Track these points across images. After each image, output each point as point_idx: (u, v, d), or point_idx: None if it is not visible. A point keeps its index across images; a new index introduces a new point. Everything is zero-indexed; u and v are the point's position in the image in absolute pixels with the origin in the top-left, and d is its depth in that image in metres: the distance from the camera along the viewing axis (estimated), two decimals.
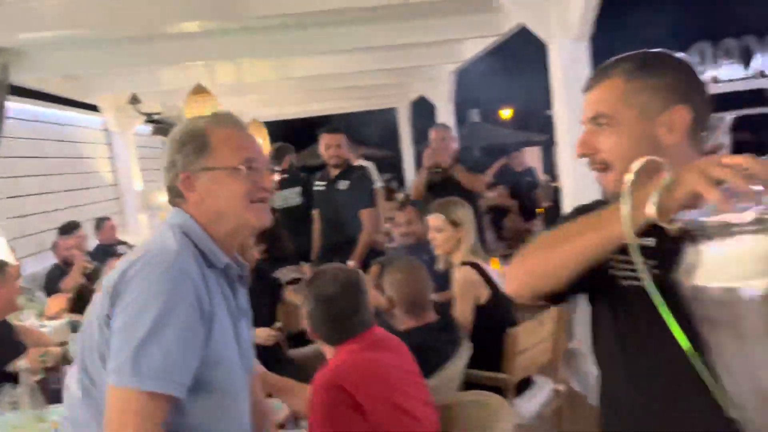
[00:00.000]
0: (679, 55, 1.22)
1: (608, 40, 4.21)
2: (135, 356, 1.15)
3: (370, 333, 1.87)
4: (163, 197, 7.02)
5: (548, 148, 14.01)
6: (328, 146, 4.44)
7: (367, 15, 5.00)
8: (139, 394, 1.14)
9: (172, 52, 5.41)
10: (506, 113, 22.86)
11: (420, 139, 12.75)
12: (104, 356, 1.20)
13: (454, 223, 3.13)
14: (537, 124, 16.62)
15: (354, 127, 11.75)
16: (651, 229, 0.98)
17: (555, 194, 7.25)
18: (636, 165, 0.97)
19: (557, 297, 1.17)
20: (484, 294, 2.90)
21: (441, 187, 4.52)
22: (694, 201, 0.91)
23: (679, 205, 0.92)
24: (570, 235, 1.06)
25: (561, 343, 3.08)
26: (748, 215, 0.88)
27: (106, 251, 5.62)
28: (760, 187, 0.86)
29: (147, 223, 7.92)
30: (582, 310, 3.92)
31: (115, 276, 1.21)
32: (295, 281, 4.26)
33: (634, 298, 1.10)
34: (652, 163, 0.96)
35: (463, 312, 2.87)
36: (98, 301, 1.25)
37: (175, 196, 1.36)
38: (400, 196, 10.65)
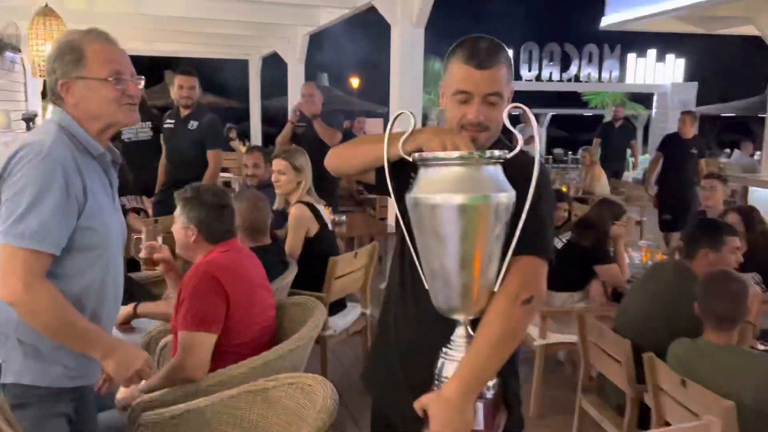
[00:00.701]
0: None
1: (442, 30, 4.84)
2: (18, 222, 1.48)
3: (234, 241, 2.36)
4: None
5: (387, 119, 14.90)
6: (181, 87, 4.70)
7: None
8: (21, 250, 1.48)
9: None
10: (355, 82, 23.54)
11: (268, 93, 12.99)
12: None
13: (296, 169, 3.64)
14: (381, 96, 17.49)
15: (203, 73, 11.68)
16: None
17: None
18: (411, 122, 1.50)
19: (371, 186, 1.60)
20: (314, 228, 3.47)
21: (304, 138, 5.06)
22: (424, 148, 1.40)
23: (416, 146, 1.41)
24: (365, 142, 1.59)
25: (369, 276, 3.73)
26: (455, 152, 1.33)
27: None
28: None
29: None
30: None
31: (7, 159, 1.53)
32: (137, 210, 4.52)
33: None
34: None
35: (294, 241, 3.41)
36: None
37: (56, 98, 1.63)
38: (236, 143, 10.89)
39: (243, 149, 10.59)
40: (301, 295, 2.72)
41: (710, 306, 2.34)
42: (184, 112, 4.71)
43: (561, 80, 13.93)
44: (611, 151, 9.31)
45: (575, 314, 3.10)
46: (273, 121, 13.06)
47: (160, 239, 2.42)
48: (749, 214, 3.77)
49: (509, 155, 1.37)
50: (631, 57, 14.03)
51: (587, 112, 21.39)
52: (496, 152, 1.35)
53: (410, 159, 1.41)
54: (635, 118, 20.51)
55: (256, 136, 11.74)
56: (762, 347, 2.64)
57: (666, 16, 7.18)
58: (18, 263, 1.49)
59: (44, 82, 1.70)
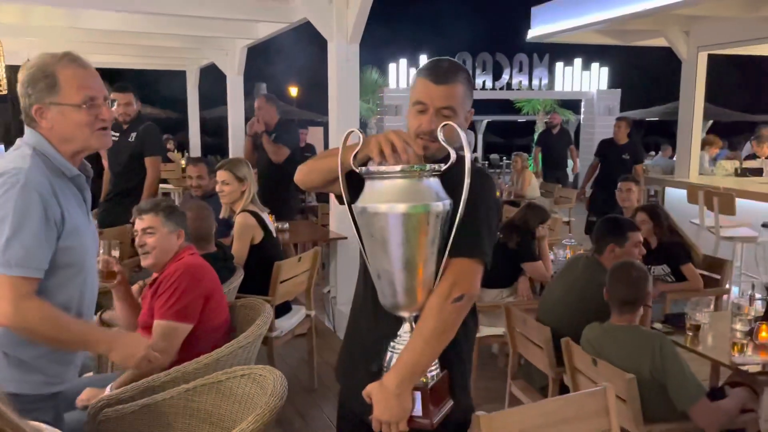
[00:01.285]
0: None
1: (378, 42, 5.06)
2: (3, 251, 1.58)
3: (192, 246, 2.64)
4: None
5: (327, 128, 15.13)
6: (118, 104, 4.83)
7: None
8: (8, 278, 1.59)
9: None
10: (293, 92, 23.59)
11: (207, 104, 12.97)
12: None
13: (239, 179, 3.81)
14: (321, 105, 17.66)
15: (141, 85, 11.59)
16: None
17: None
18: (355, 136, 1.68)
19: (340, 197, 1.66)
20: (259, 235, 3.64)
21: (262, 150, 5.41)
22: (370, 154, 1.55)
23: (364, 156, 1.56)
24: (325, 157, 1.70)
25: (313, 280, 3.93)
26: (398, 167, 1.47)
27: None
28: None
29: None
30: (339, 261, 4.84)
31: None
32: None
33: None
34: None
35: (240, 248, 3.58)
36: None
37: (30, 120, 1.68)
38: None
39: (182, 160, 10.59)
40: (247, 298, 2.90)
41: (614, 291, 2.66)
42: (124, 125, 4.82)
43: (494, 88, 14.41)
44: (552, 158, 9.63)
45: (504, 309, 3.38)
46: (212, 131, 13.05)
47: (117, 252, 2.55)
48: (654, 211, 4.16)
49: (444, 168, 1.51)
50: (559, 66, 14.68)
51: (520, 119, 22.14)
52: (432, 165, 1.50)
53: (357, 171, 1.54)
54: (566, 123, 21.43)
55: (195, 147, 11.71)
56: (660, 328, 2.98)
57: (586, 29, 7.67)
58: (6, 289, 1.60)
59: None
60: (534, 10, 8.38)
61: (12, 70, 6.72)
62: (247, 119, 6.76)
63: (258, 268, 3.52)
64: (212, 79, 10.71)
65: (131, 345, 1.81)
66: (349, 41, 4.70)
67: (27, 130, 1.73)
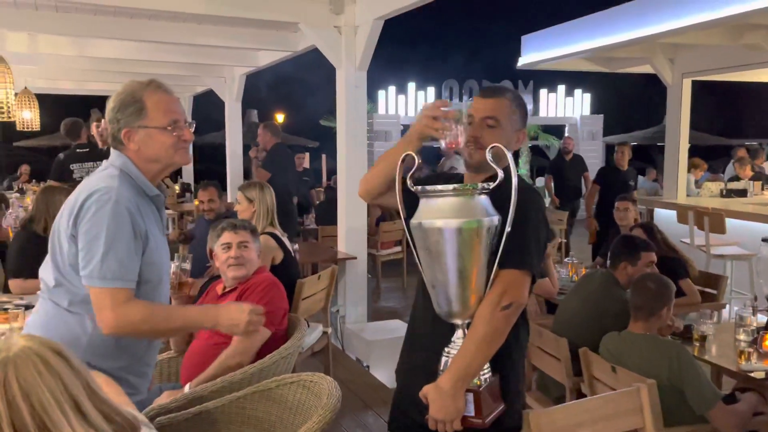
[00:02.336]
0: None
1: (379, 71, 5.27)
2: (100, 267, 1.68)
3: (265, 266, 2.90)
4: None
5: (317, 153, 15.31)
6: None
7: (174, 14, 5.50)
8: (108, 290, 1.69)
9: None
10: (280, 118, 23.81)
11: (201, 129, 13.07)
12: (75, 264, 1.74)
13: (248, 200, 3.97)
14: (310, 131, 17.89)
15: None
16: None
17: (328, 192, 8.37)
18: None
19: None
20: (279, 256, 3.76)
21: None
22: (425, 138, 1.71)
23: (414, 135, 1.70)
24: (383, 158, 1.83)
25: (330, 297, 4.05)
26: (450, 186, 1.62)
27: None
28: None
29: None
30: (347, 280, 4.97)
31: (78, 203, 1.73)
32: None
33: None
34: None
35: None
36: (65, 215, 1.76)
37: (118, 143, 1.82)
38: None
39: (176, 186, 10.66)
40: None
41: (632, 300, 2.83)
42: None
43: None
44: (566, 187, 8.59)
45: None
46: (205, 157, 13.13)
47: (188, 265, 2.69)
48: (650, 228, 4.37)
49: (492, 187, 1.65)
50: (543, 92, 15.08)
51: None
52: (482, 184, 1.65)
53: (413, 190, 1.69)
54: (548, 148, 21.84)
55: (188, 173, 11.80)
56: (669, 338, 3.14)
57: (575, 57, 7.95)
58: (107, 299, 1.71)
59: None
60: (524, 38, 8.66)
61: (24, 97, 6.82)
62: (245, 145, 7.05)
63: None
64: (208, 104, 10.85)
65: (234, 313, 1.86)
66: (358, 68, 4.88)
67: (113, 152, 1.86)
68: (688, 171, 8.60)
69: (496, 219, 1.64)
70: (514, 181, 1.64)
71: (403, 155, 1.74)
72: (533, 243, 1.70)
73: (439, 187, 1.64)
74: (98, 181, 1.79)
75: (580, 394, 3.09)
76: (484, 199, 1.65)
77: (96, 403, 1.23)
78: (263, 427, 2.18)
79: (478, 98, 1.80)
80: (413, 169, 1.77)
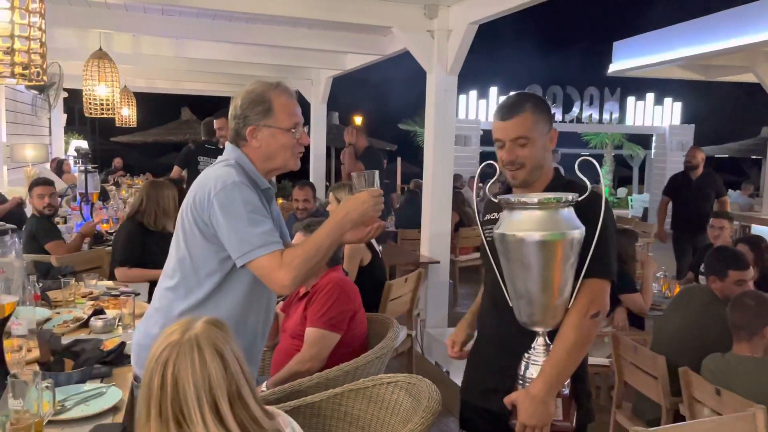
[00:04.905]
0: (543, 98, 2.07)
1: (461, 74, 5.14)
2: (247, 240, 1.71)
3: (339, 267, 2.81)
4: (30, 151, 7.19)
5: (392, 156, 15.39)
6: (221, 128, 5.25)
7: (270, 17, 5.66)
8: (268, 256, 1.71)
9: (71, 15, 5.55)
10: (358, 120, 24.12)
11: None
12: (210, 239, 1.78)
13: (339, 201, 4.02)
14: (389, 134, 18.04)
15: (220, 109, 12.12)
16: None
17: (408, 195, 8.41)
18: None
19: None
20: (368, 257, 3.80)
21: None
22: None
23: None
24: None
25: (415, 300, 4.06)
26: (535, 197, 1.64)
27: None
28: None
29: (6, 177, 7.82)
30: (430, 284, 4.97)
31: (204, 194, 1.77)
32: None
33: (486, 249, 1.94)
34: None
35: (351, 269, 3.74)
36: (195, 204, 1.79)
37: (239, 139, 1.87)
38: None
39: None
40: (372, 314, 3.05)
41: (732, 319, 2.69)
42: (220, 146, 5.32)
43: (563, 121, 14.41)
44: (689, 214, 6.09)
45: (603, 338, 3.43)
46: None
47: None
48: (757, 244, 4.12)
49: (579, 199, 1.68)
50: (630, 100, 14.59)
51: (584, 152, 22.04)
52: (567, 196, 1.66)
53: (496, 200, 1.78)
54: (631, 158, 21.12)
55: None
56: None
57: (669, 65, 7.67)
58: (274, 263, 1.71)
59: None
60: (616, 44, 8.43)
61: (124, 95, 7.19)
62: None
63: (367, 286, 3.67)
64: None
65: (356, 204, 1.79)
66: (449, 72, 4.88)
67: (228, 146, 1.92)
68: None
69: (580, 231, 1.65)
70: (604, 196, 1.72)
71: (485, 162, 1.89)
72: (612, 251, 1.75)
73: (524, 198, 1.67)
74: (216, 172, 1.84)
75: (677, 416, 2.97)
76: (568, 212, 1.67)
77: (237, 410, 1.28)
78: (359, 425, 2.21)
79: (499, 122, 1.80)
80: (494, 179, 1.86)
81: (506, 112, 1.80)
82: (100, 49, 5.98)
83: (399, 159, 14.76)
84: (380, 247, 4.70)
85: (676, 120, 14.52)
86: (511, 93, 1.89)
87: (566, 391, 1.72)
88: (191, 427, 1.25)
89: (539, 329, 1.73)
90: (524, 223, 1.64)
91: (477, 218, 1.86)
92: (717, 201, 6.19)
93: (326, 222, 1.81)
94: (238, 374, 1.31)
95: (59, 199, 5.31)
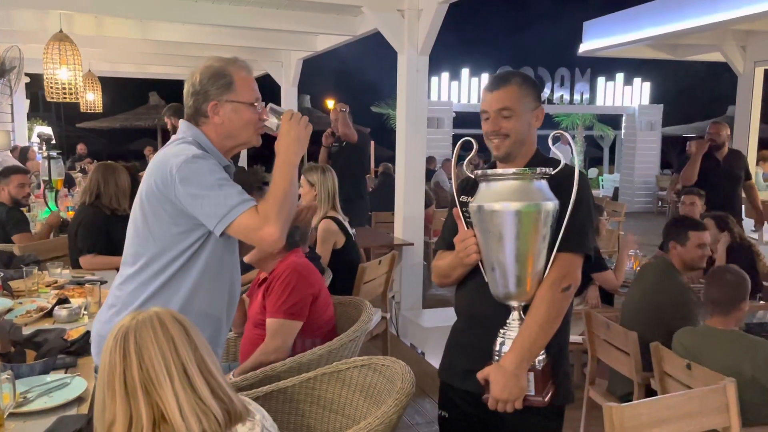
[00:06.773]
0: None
1: (432, 56, 5.08)
2: (222, 203, 1.65)
3: (299, 249, 2.68)
4: None
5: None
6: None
7: None
8: (245, 214, 1.65)
9: None
10: (330, 104, 23.94)
11: None
12: (177, 220, 1.72)
13: (310, 183, 3.96)
14: (361, 117, 17.90)
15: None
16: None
17: (381, 178, 8.36)
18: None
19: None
20: (341, 240, 3.77)
21: (337, 158, 5.76)
22: None
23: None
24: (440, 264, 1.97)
25: (389, 283, 4.04)
26: (510, 170, 1.70)
27: None
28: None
29: None
30: (404, 267, 4.94)
31: (166, 171, 1.70)
32: None
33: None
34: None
35: (324, 252, 3.70)
36: (157, 185, 1.72)
37: (198, 116, 1.79)
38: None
39: None
40: (343, 297, 3.01)
41: (707, 293, 2.72)
42: None
43: None
44: (717, 200, 5.07)
45: (577, 315, 3.43)
46: (263, 140, 13.28)
47: None
48: (723, 219, 4.17)
49: (553, 172, 1.70)
50: (600, 80, 14.68)
51: (556, 133, 22.17)
52: (542, 169, 1.68)
53: (472, 176, 1.77)
54: (602, 139, 21.30)
55: (243, 158, 11.94)
56: None
57: (639, 44, 7.71)
58: (254, 220, 1.67)
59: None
60: (586, 24, 8.45)
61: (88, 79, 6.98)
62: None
63: (341, 269, 3.64)
64: (260, 91, 10.93)
65: (287, 135, 1.78)
66: (420, 52, 4.82)
67: (183, 124, 1.84)
68: (756, 164, 8.26)
69: (554, 203, 1.66)
70: (577, 168, 1.70)
71: (462, 140, 1.85)
72: (588, 226, 1.77)
73: (499, 171, 1.70)
74: (173, 149, 1.77)
75: (648, 391, 3.00)
76: (542, 184, 1.68)
77: (206, 375, 1.24)
78: (333, 408, 2.18)
79: (486, 93, 1.82)
80: (471, 154, 1.85)
81: (493, 83, 1.81)
82: (61, 30, 5.78)
83: (372, 143, 14.68)
84: (354, 231, 4.67)
85: (645, 100, 14.66)
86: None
87: (540, 366, 1.72)
88: (160, 392, 1.21)
89: (514, 303, 1.73)
90: (499, 194, 1.66)
91: (456, 200, 1.83)
92: (745, 185, 5.43)
93: (275, 167, 1.76)
94: (202, 346, 1.28)
95: None
